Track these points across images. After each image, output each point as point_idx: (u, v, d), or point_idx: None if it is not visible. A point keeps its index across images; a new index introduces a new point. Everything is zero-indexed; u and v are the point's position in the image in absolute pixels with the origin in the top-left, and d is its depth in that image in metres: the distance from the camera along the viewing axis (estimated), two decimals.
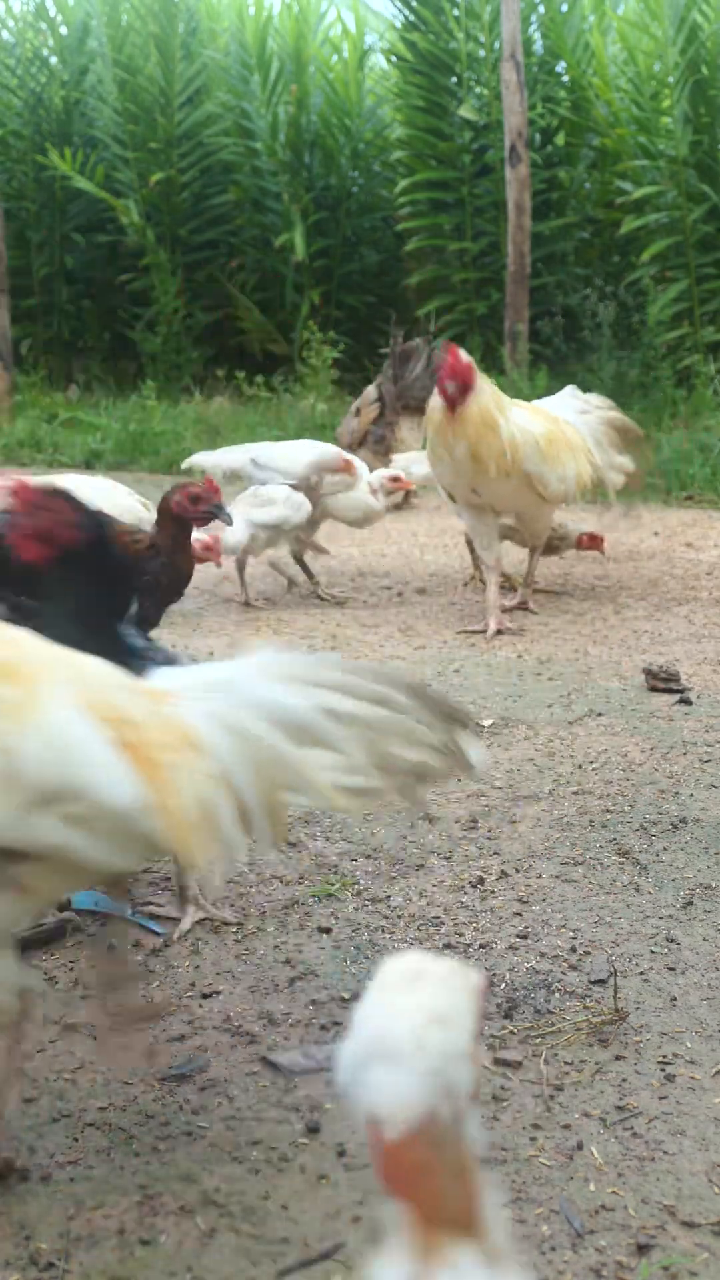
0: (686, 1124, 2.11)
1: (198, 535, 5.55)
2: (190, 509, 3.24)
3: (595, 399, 6.11)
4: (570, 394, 6.11)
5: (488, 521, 5.35)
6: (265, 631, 5.20)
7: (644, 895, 2.91)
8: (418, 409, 7.70)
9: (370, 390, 7.74)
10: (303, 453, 5.90)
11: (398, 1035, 0.98)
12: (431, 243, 11.44)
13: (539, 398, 8.56)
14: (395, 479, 5.92)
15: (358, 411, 7.83)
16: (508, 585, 6.05)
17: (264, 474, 5.83)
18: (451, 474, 5.24)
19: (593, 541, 5.91)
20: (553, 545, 5.91)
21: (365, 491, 5.76)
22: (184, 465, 6.47)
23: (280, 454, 5.90)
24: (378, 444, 7.62)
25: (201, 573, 6.09)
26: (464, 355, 5.24)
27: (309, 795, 1.89)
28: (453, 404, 5.11)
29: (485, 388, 5.23)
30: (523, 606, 5.56)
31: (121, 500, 5.41)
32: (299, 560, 5.89)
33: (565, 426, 5.51)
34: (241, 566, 5.73)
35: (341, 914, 2.83)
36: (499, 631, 5.15)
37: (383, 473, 5.94)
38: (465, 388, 5.09)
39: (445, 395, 5.09)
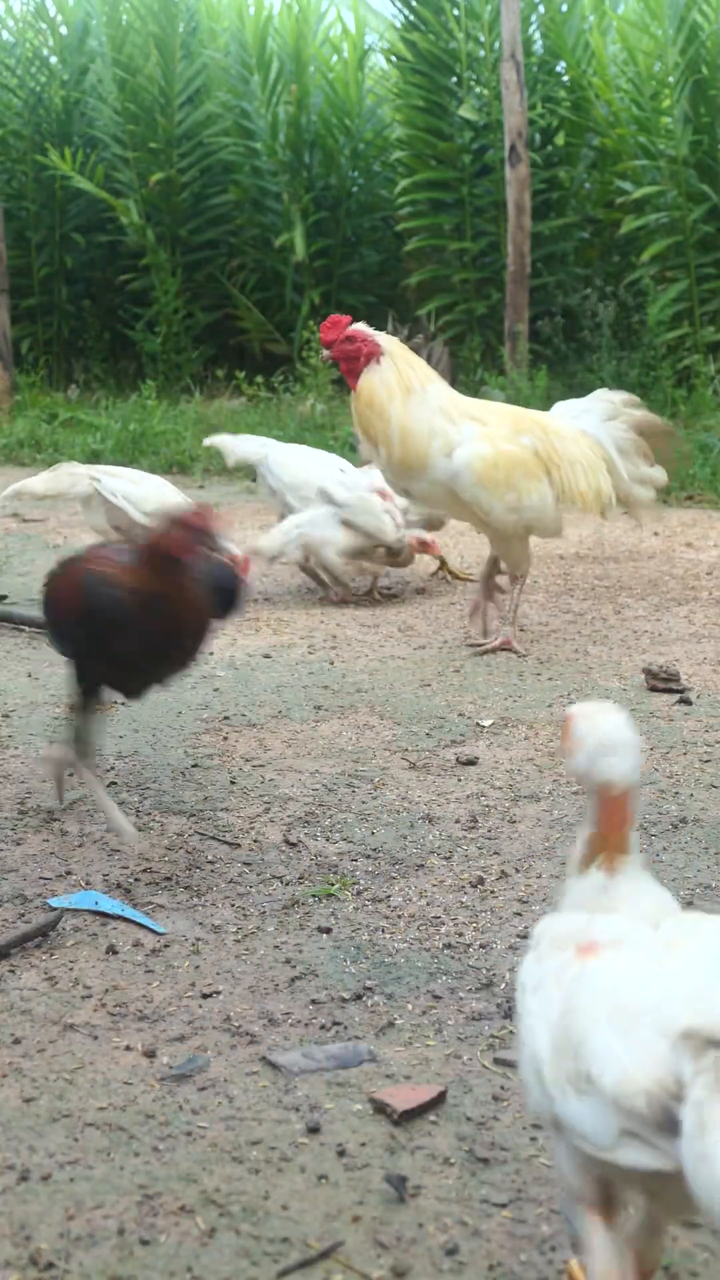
0: None
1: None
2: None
3: (620, 396, 5.46)
4: (600, 396, 5.43)
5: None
6: (265, 631, 5.20)
7: None
8: None
9: None
10: (304, 466, 5.82)
11: (619, 737, 1.69)
12: (431, 243, 11.42)
13: (539, 397, 8.56)
14: None
15: None
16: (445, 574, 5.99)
17: (273, 479, 5.80)
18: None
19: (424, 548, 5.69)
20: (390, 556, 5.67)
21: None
22: (206, 442, 6.53)
23: (283, 461, 5.84)
24: None
25: None
26: (361, 327, 4.69)
27: None
28: (350, 377, 4.66)
29: (395, 365, 4.65)
30: (506, 646, 4.88)
31: (170, 498, 5.42)
32: (304, 568, 5.82)
33: (560, 441, 4.96)
34: (316, 564, 5.65)
35: (341, 914, 2.83)
36: (503, 646, 4.86)
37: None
38: (348, 358, 4.62)
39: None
